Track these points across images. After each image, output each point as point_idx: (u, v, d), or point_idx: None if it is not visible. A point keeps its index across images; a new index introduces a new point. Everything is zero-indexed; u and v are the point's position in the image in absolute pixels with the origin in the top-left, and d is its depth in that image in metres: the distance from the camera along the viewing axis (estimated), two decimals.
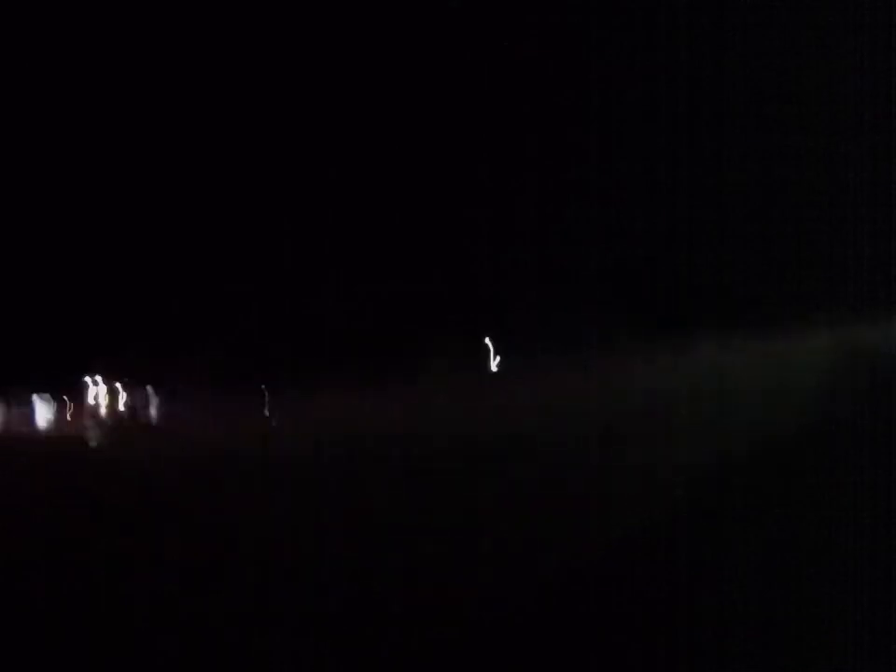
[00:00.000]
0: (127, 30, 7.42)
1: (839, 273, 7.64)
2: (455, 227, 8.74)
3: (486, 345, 8.33)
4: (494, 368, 7.77)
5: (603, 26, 7.89)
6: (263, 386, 5.78)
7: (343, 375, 7.21)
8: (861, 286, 7.44)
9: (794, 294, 7.39)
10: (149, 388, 5.34)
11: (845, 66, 7.42)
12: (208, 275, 7.30)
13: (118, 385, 5.10)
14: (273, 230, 8.19)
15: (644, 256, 8.30)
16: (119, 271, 6.71)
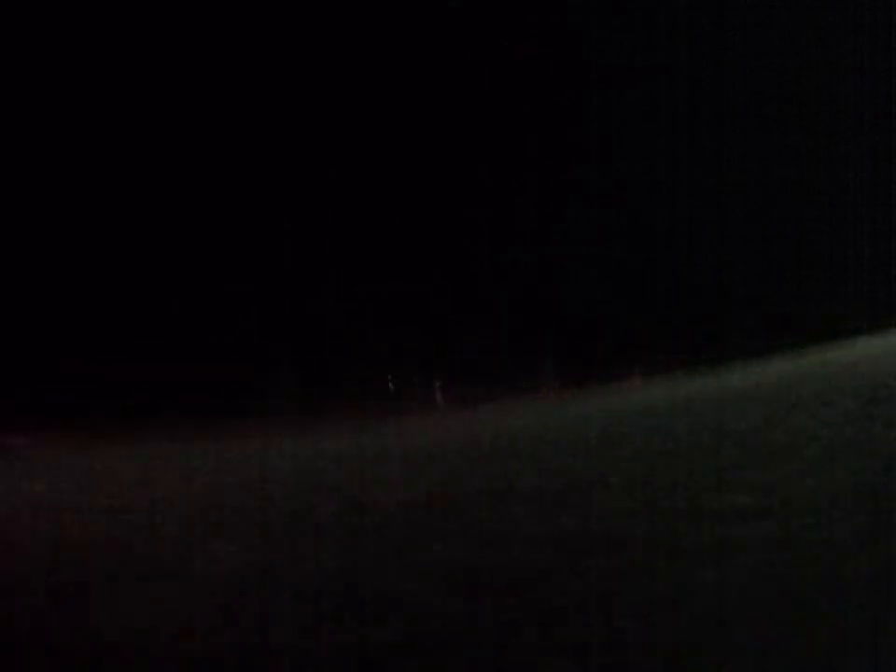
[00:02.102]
0: (127, 29, 7.43)
1: (839, 273, 7.66)
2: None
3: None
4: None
5: (603, 26, 7.90)
6: None
7: None
8: (861, 286, 7.45)
9: (794, 294, 7.40)
10: None
11: (845, 66, 7.44)
12: None
13: None
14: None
15: (644, 256, 8.31)
16: None
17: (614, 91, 8.14)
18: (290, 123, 7.90)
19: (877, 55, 7.09)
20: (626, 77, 8.23)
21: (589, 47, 8.15)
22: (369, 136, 8.12)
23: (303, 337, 6.92)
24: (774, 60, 7.56)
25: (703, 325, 7.69)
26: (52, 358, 7.76)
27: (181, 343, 7.66)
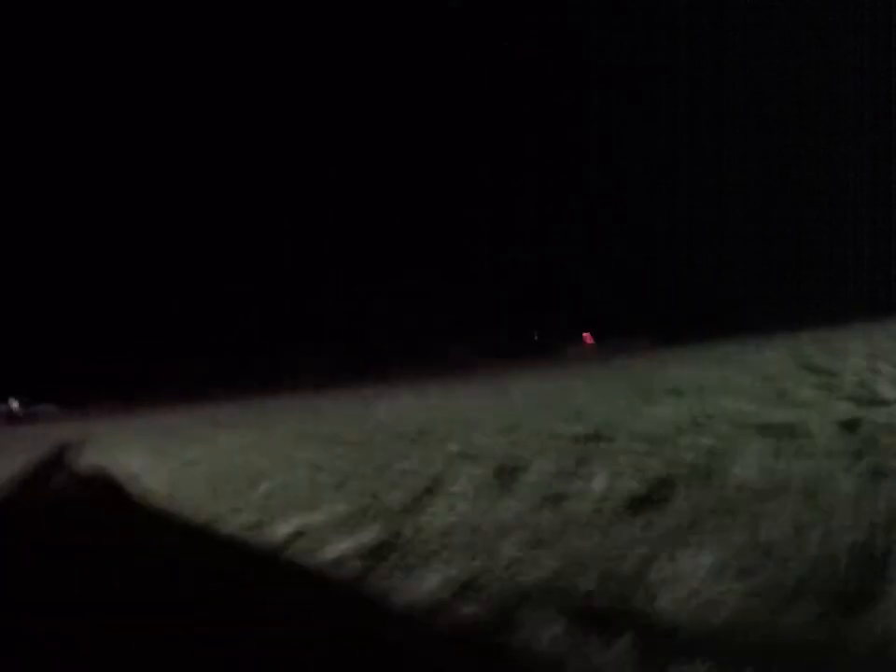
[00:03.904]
0: (130, 30, 7.40)
1: (839, 273, 7.68)
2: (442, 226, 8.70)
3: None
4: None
5: (603, 26, 7.93)
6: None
7: None
8: (861, 286, 7.47)
9: (794, 294, 7.41)
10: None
11: (845, 66, 7.47)
12: None
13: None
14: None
15: (644, 256, 8.29)
16: None
17: (614, 90, 8.15)
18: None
19: (877, 55, 7.13)
20: (626, 77, 8.24)
21: (589, 47, 8.18)
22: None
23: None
24: (774, 60, 7.60)
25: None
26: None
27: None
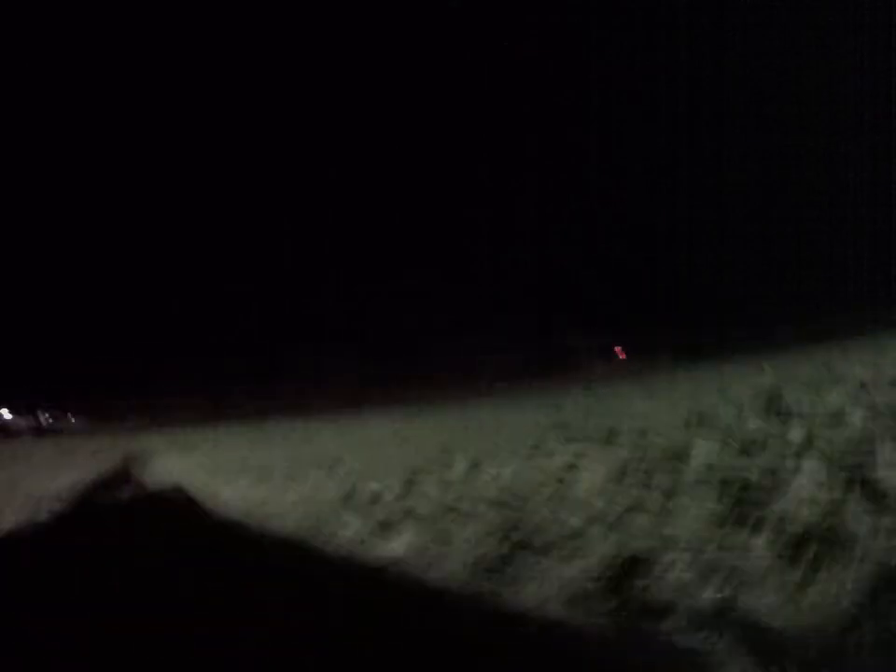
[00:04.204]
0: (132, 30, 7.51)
1: (839, 273, 7.68)
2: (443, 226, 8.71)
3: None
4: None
5: (603, 26, 7.94)
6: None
7: None
8: (861, 286, 7.48)
9: (794, 294, 7.45)
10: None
11: (845, 66, 7.41)
12: None
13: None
14: None
15: (644, 256, 8.34)
16: None
17: (614, 90, 8.17)
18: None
19: (877, 55, 7.07)
20: (626, 77, 8.25)
21: (589, 47, 8.18)
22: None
23: None
24: (774, 60, 7.56)
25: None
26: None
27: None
